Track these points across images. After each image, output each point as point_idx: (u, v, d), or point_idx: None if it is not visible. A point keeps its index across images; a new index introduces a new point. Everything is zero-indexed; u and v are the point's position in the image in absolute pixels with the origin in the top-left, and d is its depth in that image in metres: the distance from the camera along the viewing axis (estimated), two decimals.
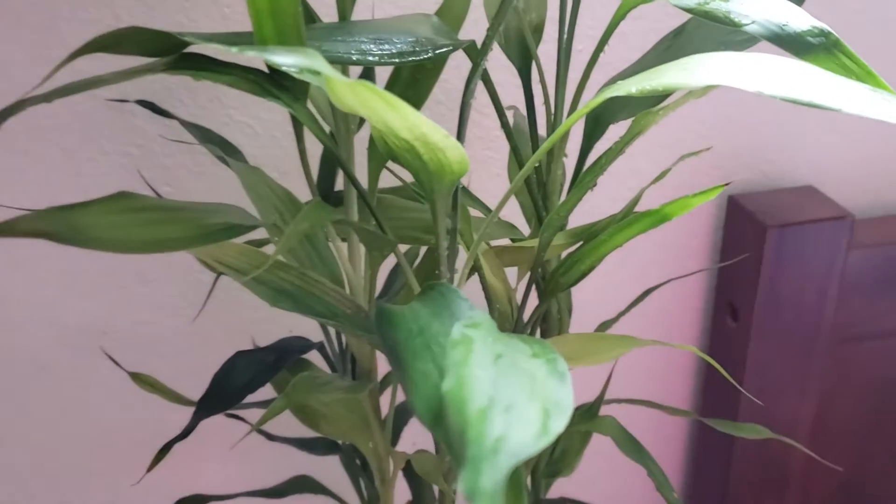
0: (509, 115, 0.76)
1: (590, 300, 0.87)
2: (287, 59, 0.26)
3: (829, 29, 0.37)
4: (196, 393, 0.69)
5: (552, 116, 0.54)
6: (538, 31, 0.55)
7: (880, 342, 0.88)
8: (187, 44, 0.37)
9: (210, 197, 0.75)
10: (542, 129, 0.56)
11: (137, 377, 0.66)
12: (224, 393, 0.54)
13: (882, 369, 0.89)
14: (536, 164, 0.56)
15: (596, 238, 0.49)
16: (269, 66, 0.38)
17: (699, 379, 0.98)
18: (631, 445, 0.62)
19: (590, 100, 0.36)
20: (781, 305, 0.83)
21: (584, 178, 0.47)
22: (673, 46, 0.55)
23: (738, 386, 0.67)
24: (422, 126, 0.32)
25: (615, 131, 0.51)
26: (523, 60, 0.54)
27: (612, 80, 0.55)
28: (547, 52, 0.64)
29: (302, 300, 0.45)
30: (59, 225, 0.36)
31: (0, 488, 0.83)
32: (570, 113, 0.53)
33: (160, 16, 0.67)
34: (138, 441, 0.84)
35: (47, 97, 0.36)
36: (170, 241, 0.38)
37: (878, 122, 0.88)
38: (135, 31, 0.36)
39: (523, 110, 0.56)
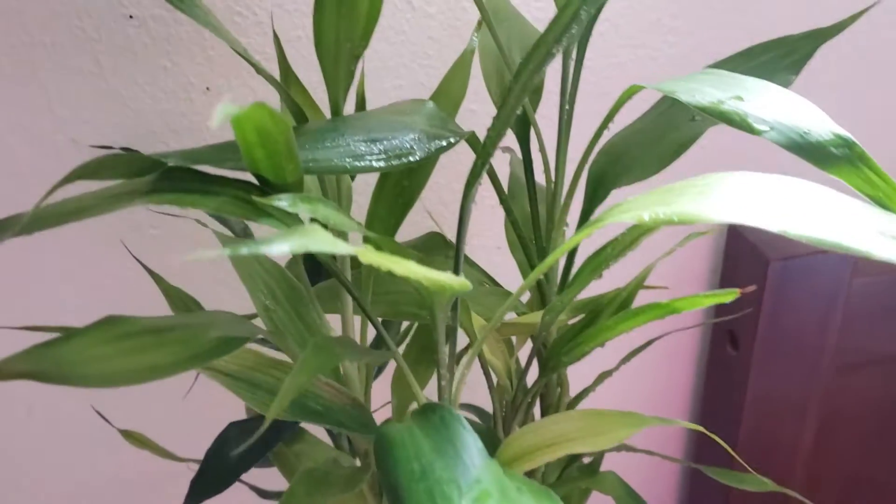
0: (504, 158, 0.74)
1: None
2: (283, 247, 0.24)
3: (853, 139, 0.35)
4: (188, 450, 0.67)
5: (552, 185, 0.51)
6: (537, 92, 0.53)
7: (881, 367, 0.87)
8: (166, 164, 0.35)
9: (190, 267, 0.72)
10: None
11: (128, 434, 0.64)
12: (217, 471, 0.53)
13: (883, 394, 0.89)
14: (535, 226, 0.54)
15: (599, 323, 0.47)
16: (258, 179, 0.36)
17: (696, 404, 0.97)
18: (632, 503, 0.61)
19: (588, 223, 0.34)
20: (783, 335, 0.82)
21: (587, 266, 0.45)
22: (674, 107, 0.53)
23: (730, 450, 0.66)
24: (423, 272, 0.30)
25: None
26: (521, 125, 0.52)
27: (608, 145, 0.53)
28: (546, 114, 0.62)
29: (298, 400, 0.43)
30: (44, 364, 0.34)
31: None
32: (574, 178, 0.51)
33: (142, 59, 0.64)
34: (129, 482, 0.83)
35: (28, 228, 0.33)
36: (161, 368, 0.36)
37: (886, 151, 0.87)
38: (112, 159, 0.34)
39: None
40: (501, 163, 0.75)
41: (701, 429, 0.50)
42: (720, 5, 0.76)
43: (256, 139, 0.32)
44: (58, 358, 0.34)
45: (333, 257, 0.52)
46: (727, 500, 0.92)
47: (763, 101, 0.38)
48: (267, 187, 0.36)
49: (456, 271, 0.41)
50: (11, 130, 0.64)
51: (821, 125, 0.36)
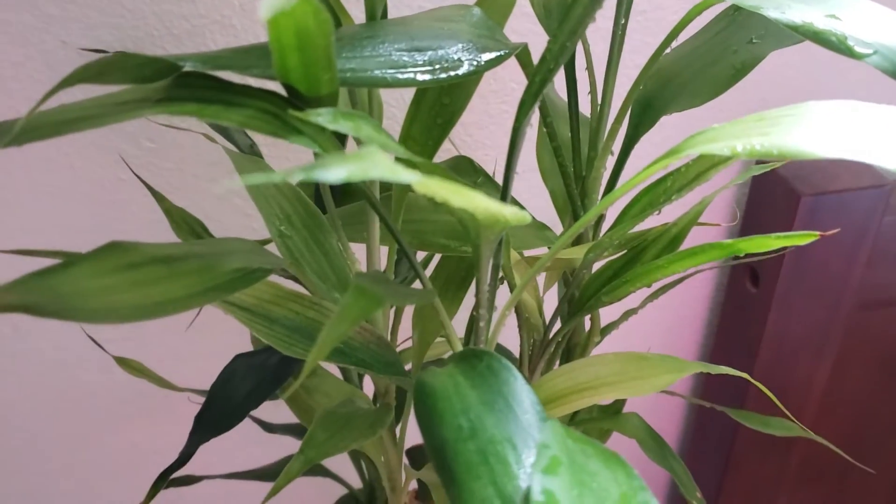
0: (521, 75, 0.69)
1: None
2: (340, 172, 0.20)
3: None
4: (188, 380, 0.64)
5: (597, 107, 0.47)
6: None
7: None
8: (182, 68, 0.30)
9: (181, 186, 0.67)
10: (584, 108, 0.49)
11: (123, 361, 0.61)
12: (224, 407, 0.49)
13: None
14: (574, 153, 0.50)
15: (648, 261, 0.43)
16: (287, 90, 0.31)
17: (709, 336, 0.95)
18: (655, 447, 0.58)
19: (681, 143, 0.30)
20: (806, 274, 0.78)
21: (641, 199, 0.41)
22: (729, 28, 0.48)
23: (774, 398, 0.63)
24: (483, 202, 0.26)
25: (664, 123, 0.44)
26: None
27: (657, 68, 0.48)
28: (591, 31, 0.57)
29: (316, 338, 0.39)
30: (41, 296, 0.29)
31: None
32: (624, 102, 0.47)
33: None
34: (122, 400, 0.80)
35: (19, 139, 0.29)
36: (174, 302, 0.32)
37: None
38: (120, 58, 0.29)
39: (563, 95, 0.50)
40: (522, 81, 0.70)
41: (746, 376, 0.47)
42: None
43: (294, 41, 0.27)
44: (55, 289, 0.29)
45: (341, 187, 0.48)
46: (733, 439, 0.90)
47: (863, 19, 0.33)
48: (297, 100, 0.31)
49: (503, 201, 0.36)
50: None
51: None
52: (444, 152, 0.69)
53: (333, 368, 0.59)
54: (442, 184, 0.24)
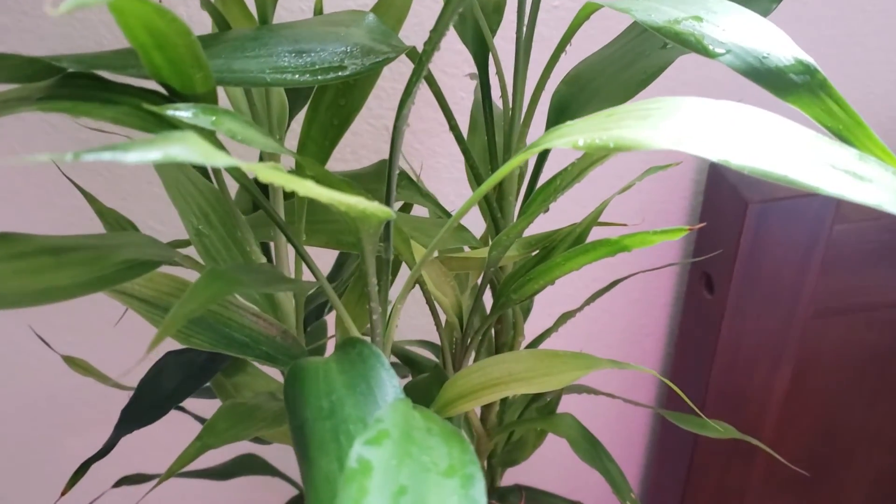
0: (472, 84, 0.70)
1: None
2: (150, 154, 0.21)
3: (816, 65, 0.32)
4: (136, 372, 0.65)
5: (510, 112, 0.48)
6: (498, 11, 0.49)
7: (859, 315, 0.85)
8: (63, 70, 0.32)
9: (133, 192, 0.69)
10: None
11: (71, 360, 0.62)
12: (150, 401, 0.51)
13: (859, 341, 0.86)
14: (491, 160, 0.51)
15: (550, 259, 0.45)
16: (165, 88, 0.33)
17: (669, 347, 0.95)
18: (588, 447, 0.59)
19: (525, 148, 0.31)
20: (760, 280, 0.79)
21: (534, 201, 0.42)
22: (645, 33, 0.50)
23: (693, 406, 0.64)
24: (332, 195, 0.27)
25: None
26: (479, 47, 0.48)
27: (573, 73, 0.49)
28: (509, 37, 0.59)
29: (220, 329, 0.41)
30: None
31: None
32: (529, 105, 0.48)
33: None
34: (82, 404, 0.81)
35: None
36: (56, 291, 0.33)
37: (866, 90, 0.83)
38: (1, 58, 0.31)
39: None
40: (471, 91, 0.71)
41: (653, 373, 0.48)
42: None
43: (149, 39, 0.28)
44: None
45: (258, 183, 0.49)
46: (694, 447, 0.91)
47: (723, 22, 0.35)
48: (176, 98, 0.33)
49: (387, 199, 0.38)
50: None
51: (782, 49, 0.33)
52: (379, 154, 0.71)
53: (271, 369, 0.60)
54: (284, 175, 0.25)
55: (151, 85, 0.33)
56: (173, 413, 0.79)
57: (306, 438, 0.30)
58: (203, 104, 0.31)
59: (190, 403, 0.64)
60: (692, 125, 0.29)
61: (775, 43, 0.33)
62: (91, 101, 0.32)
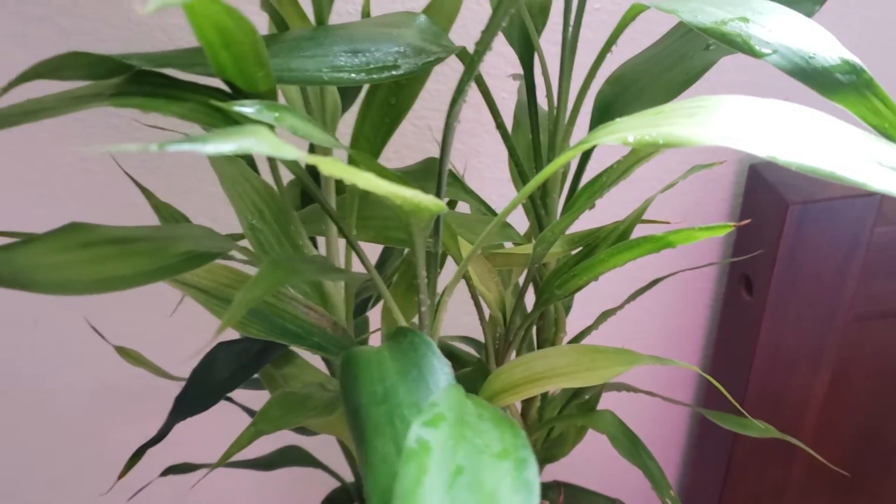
0: (514, 85, 0.71)
1: None
2: (224, 146, 0.23)
3: (862, 65, 0.33)
4: (186, 365, 0.67)
5: (555, 111, 0.49)
6: (543, 13, 0.50)
7: None
8: (133, 68, 0.33)
9: (185, 189, 0.71)
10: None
11: (124, 351, 0.64)
12: (203, 390, 0.52)
13: None
14: (535, 157, 0.52)
15: (594, 256, 0.46)
16: (228, 86, 0.34)
17: (707, 348, 0.95)
18: (627, 444, 0.60)
19: (575, 145, 0.32)
20: (799, 282, 0.79)
21: (580, 197, 0.43)
22: (689, 34, 0.50)
23: (734, 402, 0.65)
24: (390, 188, 0.28)
25: None
26: (525, 47, 0.49)
27: (617, 73, 0.50)
28: (554, 40, 0.60)
29: (273, 320, 0.42)
30: (1, 268, 0.33)
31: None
32: (575, 105, 0.49)
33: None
34: (133, 394, 0.84)
35: None
36: (121, 279, 0.35)
37: None
38: (75, 56, 0.32)
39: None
40: (511, 91, 0.73)
41: (696, 369, 0.48)
42: None
43: (218, 38, 0.30)
44: (13, 262, 0.33)
45: (314, 179, 0.51)
46: (733, 447, 0.91)
47: (769, 23, 0.35)
48: (239, 96, 0.34)
49: (438, 193, 0.39)
50: (14, 40, 0.63)
51: (828, 49, 0.33)
52: (422, 153, 0.72)
53: (317, 360, 0.62)
54: (345, 168, 0.27)
55: (215, 83, 0.34)
56: (220, 404, 0.81)
57: (362, 422, 0.31)
58: (266, 101, 0.32)
59: (237, 394, 0.66)
60: (739, 122, 0.29)
61: (821, 43, 0.33)
62: (160, 98, 0.33)
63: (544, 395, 0.65)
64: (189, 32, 0.65)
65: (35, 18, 0.62)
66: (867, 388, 0.89)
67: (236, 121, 0.34)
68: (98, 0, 0.62)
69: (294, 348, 0.56)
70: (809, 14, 0.48)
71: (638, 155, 0.41)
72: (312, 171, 0.52)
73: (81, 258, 0.34)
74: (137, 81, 0.34)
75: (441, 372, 0.33)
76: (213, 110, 0.33)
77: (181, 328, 0.80)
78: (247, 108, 0.31)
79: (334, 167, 0.26)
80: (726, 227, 0.38)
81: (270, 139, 0.25)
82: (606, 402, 0.92)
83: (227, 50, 0.31)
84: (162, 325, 0.80)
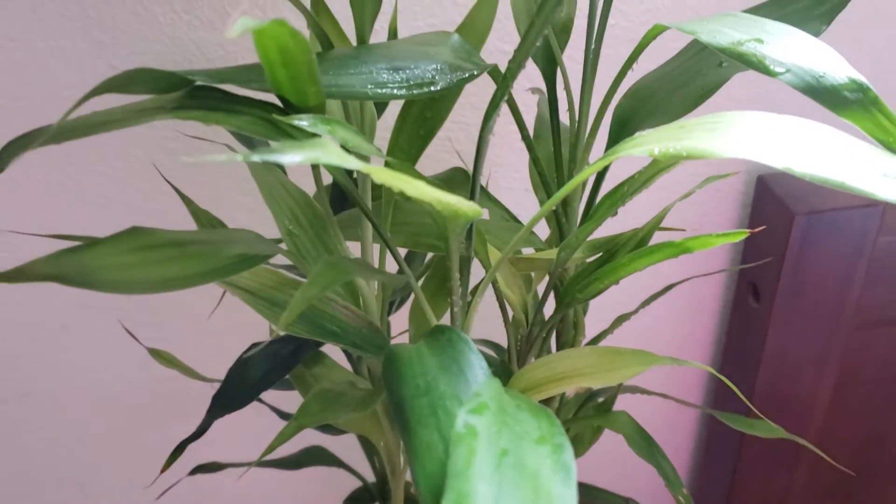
0: (533, 99, 0.74)
1: None
2: (296, 157, 0.25)
3: (868, 84, 0.35)
4: (215, 367, 0.70)
5: (576, 125, 0.52)
6: (566, 31, 0.53)
7: None
8: (193, 83, 0.36)
9: (214, 198, 0.74)
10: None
11: (156, 353, 0.67)
12: (238, 389, 0.55)
13: None
14: (557, 162, 0.55)
15: (615, 260, 0.48)
16: (281, 101, 0.37)
17: (716, 353, 0.98)
18: (642, 443, 0.62)
19: (602, 156, 0.35)
20: (805, 290, 0.82)
21: (602, 205, 0.46)
22: (703, 52, 0.53)
23: (740, 394, 0.67)
24: (435, 194, 0.31)
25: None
26: (548, 63, 0.52)
27: (635, 88, 0.53)
28: (574, 56, 0.62)
29: (315, 320, 0.45)
30: (69, 268, 0.36)
31: (24, 441, 0.86)
32: (596, 118, 0.52)
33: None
34: (158, 397, 0.86)
35: (55, 138, 0.35)
36: (181, 279, 0.38)
37: None
38: (142, 72, 0.35)
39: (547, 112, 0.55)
40: (532, 103, 0.75)
41: (711, 370, 0.51)
42: None
43: (278, 57, 0.33)
44: (81, 263, 0.36)
45: (355, 184, 0.53)
46: (740, 451, 0.93)
47: (782, 43, 0.38)
48: (290, 110, 0.37)
49: (471, 199, 0.42)
50: (53, 55, 0.66)
51: (837, 69, 0.36)
52: (444, 164, 0.75)
53: (343, 361, 0.64)
54: (395, 175, 0.29)
55: (267, 97, 0.37)
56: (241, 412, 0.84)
57: (406, 413, 0.34)
58: (318, 115, 0.35)
59: (265, 395, 0.69)
60: (757, 136, 0.32)
61: (831, 63, 0.36)
62: (219, 111, 0.36)
63: (561, 398, 0.68)
64: (219, 45, 0.68)
65: (73, 32, 0.65)
66: (871, 395, 0.92)
67: (289, 133, 0.37)
68: (134, 15, 0.65)
69: (323, 349, 0.59)
70: (817, 34, 0.51)
71: (659, 166, 0.44)
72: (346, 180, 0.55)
73: (143, 260, 0.37)
74: (197, 96, 0.37)
75: (478, 366, 0.36)
76: (268, 123, 0.36)
77: (205, 333, 0.82)
78: (303, 122, 0.34)
79: (387, 175, 0.29)
80: (742, 234, 0.40)
81: (337, 150, 0.27)
82: (618, 405, 0.95)
83: (286, 68, 0.33)
84: (186, 329, 0.82)
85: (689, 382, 1.00)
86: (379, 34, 0.69)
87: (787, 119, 0.33)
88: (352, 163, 0.27)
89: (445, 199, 0.32)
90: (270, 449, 0.45)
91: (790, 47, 0.37)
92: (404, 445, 0.33)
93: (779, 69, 0.37)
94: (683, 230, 0.52)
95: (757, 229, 0.43)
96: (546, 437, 0.30)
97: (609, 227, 0.64)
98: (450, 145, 0.76)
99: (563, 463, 0.29)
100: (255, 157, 0.25)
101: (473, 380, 0.35)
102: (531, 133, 0.63)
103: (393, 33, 0.51)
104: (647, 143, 0.34)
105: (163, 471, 0.52)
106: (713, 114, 0.35)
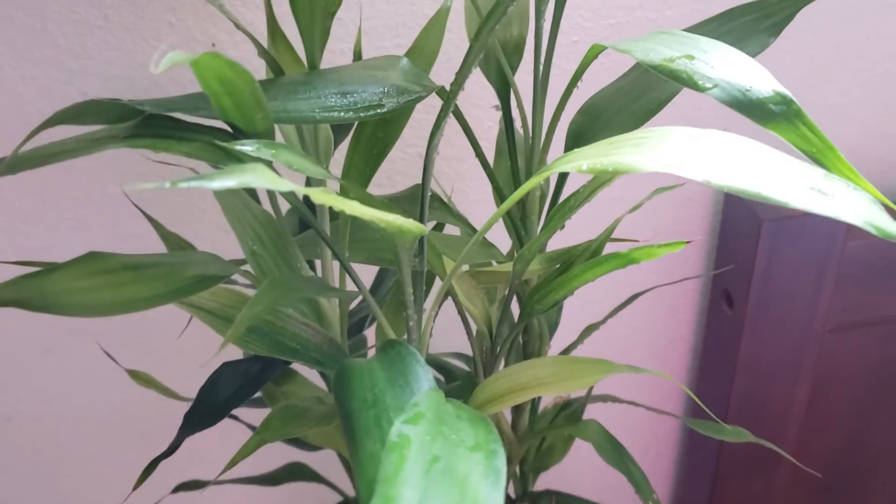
0: (498, 115, 0.76)
1: (582, 289, 0.87)
2: (227, 182, 0.27)
3: (791, 96, 0.37)
4: (193, 385, 0.71)
5: (530, 139, 0.53)
6: (518, 51, 0.54)
7: (875, 329, 0.88)
8: (144, 112, 0.37)
9: (188, 219, 0.75)
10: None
11: (134, 374, 0.68)
12: (209, 407, 0.56)
13: (877, 357, 0.90)
14: (514, 180, 0.56)
15: (568, 272, 0.49)
16: (230, 126, 0.38)
17: (693, 361, 0.99)
18: (612, 451, 0.63)
19: (549, 164, 0.36)
20: (776, 295, 0.83)
21: (552, 218, 0.47)
22: (649, 70, 0.55)
23: (703, 406, 0.69)
24: (374, 213, 0.32)
25: None
26: (501, 83, 0.54)
27: (588, 104, 0.54)
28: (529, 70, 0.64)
29: (274, 337, 0.46)
30: (30, 293, 0.37)
31: (7, 465, 0.87)
32: (547, 134, 0.53)
33: (149, 14, 0.67)
34: (139, 418, 0.87)
35: (11, 168, 0.36)
36: (138, 301, 0.39)
37: (876, 112, 0.87)
38: (94, 104, 0.36)
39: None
40: (495, 120, 0.77)
41: (666, 375, 0.52)
42: None
43: (220, 87, 0.34)
44: (41, 288, 0.37)
45: (310, 207, 0.55)
46: (719, 456, 0.94)
47: (711, 60, 0.39)
48: (240, 135, 0.39)
49: (420, 217, 0.43)
50: (24, 82, 0.67)
51: (763, 83, 0.37)
52: (413, 179, 0.76)
53: (315, 378, 0.65)
54: (334, 197, 0.31)
55: (218, 124, 0.39)
56: (226, 425, 0.85)
57: (353, 425, 0.35)
58: (264, 140, 0.36)
59: (242, 414, 0.70)
60: (679, 151, 0.33)
61: (757, 77, 0.38)
62: (169, 139, 0.37)
63: (534, 408, 0.69)
64: (191, 71, 0.70)
65: (43, 60, 0.67)
66: (847, 398, 0.93)
67: (238, 158, 0.38)
68: (104, 42, 0.67)
69: (293, 366, 0.60)
70: (764, 46, 0.53)
71: (600, 180, 0.45)
72: (308, 200, 0.56)
73: (102, 283, 0.38)
74: (149, 124, 0.38)
75: (424, 379, 0.37)
76: (217, 149, 0.38)
77: (184, 353, 0.83)
78: (247, 147, 0.35)
79: (324, 196, 0.30)
80: (681, 244, 0.42)
81: (268, 174, 0.29)
82: (599, 416, 0.96)
83: (230, 97, 0.35)
84: (165, 350, 0.83)
85: (667, 391, 1.01)
86: (345, 55, 0.71)
87: (712, 134, 0.35)
88: (283, 185, 0.29)
89: (385, 218, 0.34)
90: (232, 464, 0.46)
91: (718, 63, 0.39)
92: (350, 456, 0.34)
93: (707, 84, 0.38)
94: (636, 241, 0.53)
95: (695, 238, 0.44)
96: (481, 444, 0.32)
97: (578, 240, 0.65)
98: (420, 161, 0.77)
99: (493, 467, 0.30)
100: (182, 184, 0.26)
101: (419, 391, 0.36)
102: (491, 148, 0.64)
103: (358, 55, 0.53)
104: (578, 160, 0.36)
105: (135, 488, 0.53)
106: (642, 129, 0.36)
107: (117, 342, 0.82)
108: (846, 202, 0.31)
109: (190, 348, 0.83)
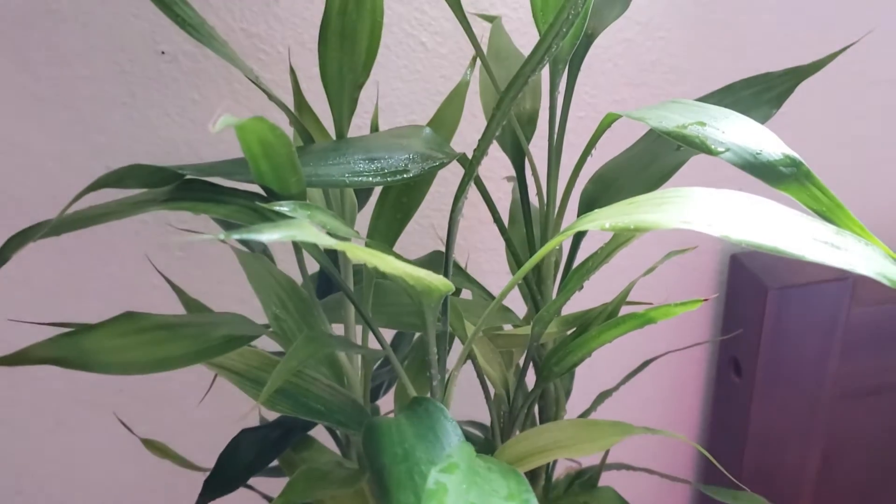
0: (509, 186, 0.78)
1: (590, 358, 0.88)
2: (274, 235, 0.28)
3: (800, 159, 0.39)
4: (206, 457, 0.71)
5: (545, 206, 0.55)
6: (531, 122, 0.57)
7: (884, 396, 0.89)
8: (183, 177, 0.39)
9: (215, 289, 0.77)
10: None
11: (149, 443, 0.68)
12: (229, 473, 0.56)
13: (887, 423, 0.90)
14: (530, 241, 0.58)
15: (586, 333, 0.51)
16: (265, 190, 0.40)
17: (704, 430, 0.99)
18: None
19: (571, 224, 0.38)
20: (784, 363, 0.84)
21: (571, 279, 0.49)
22: (661, 138, 0.57)
23: (733, 480, 0.69)
24: (406, 269, 0.34)
25: None
26: (516, 153, 0.56)
27: (600, 172, 0.56)
28: (541, 144, 0.66)
29: (299, 399, 0.47)
30: (68, 351, 0.38)
31: None
32: (562, 201, 0.55)
33: (173, 92, 0.69)
34: (150, 490, 0.87)
35: (56, 230, 0.38)
36: (172, 360, 0.40)
37: (872, 182, 0.89)
38: (136, 168, 0.38)
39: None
40: (507, 191, 0.79)
41: (683, 438, 0.53)
42: (719, 45, 0.80)
43: (260, 150, 0.36)
44: (79, 346, 0.38)
45: (338, 269, 0.56)
46: None
47: (722, 125, 0.41)
48: (273, 198, 0.40)
49: (445, 276, 0.44)
50: (52, 157, 0.69)
51: (772, 146, 0.39)
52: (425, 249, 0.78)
53: (332, 445, 0.66)
54: (369, 252, 0.32)
55: (252, 188, 0.40)
56: (241, 493, 0.85)
57: (385, 480, 0.36)
58: (299, 201, 0.38)
59: (256, 482, 0.70)
60: (697, 209, 0.35)
61: (766, 142, 0.39)
62: (207, 202, 0.39)
63: (549, 476, 0.69)
64: (210, 145, 0.72)
65: (71, 136, 0.69)
66: (860, 463, 0.93)
67: (272, 219, 0.40)
68: (128, 119, 0.69)
69: (311, 433, 0.60)
70: (768, 116, 0.55)
71: (618, 241, 0.47)
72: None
73: (139, 342, 0.40)
74: (188, 188, 0.40)
75: (453, 433, 0.38)
76: (253, 210, 0.39)
77: (197, 425, 0.84)
78: (284, 208, 0.37)
79: (361, 252, 0.32)
80: (698, 302, 0.43)
81: (311, 230, 0.30)
82: (611, 484, 0.95)
83: (267, 160, 0.37)
84: (178, 423, 0.84)
85: (679, 457, 1.00)
86: (362, 130, 0.73)
87: (729, 193, 0.36)
88: (326, 240, 0.30)
89: (417, 274, 0.35)
90: None
91: (729, 128, 0.41)
92: None
93: (719, 148, 0.40)
94: (650, 304, 0.54)
95: (712, 296, 0.45)
96: (514, 494, 0.32)
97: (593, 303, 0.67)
98: (433, 231, 0.79)
99: None
100: (235, 235, 0.28)
101: (448, 445, 0.37)
102: (508, 217, 0.66)
103: (374, 129, 0.55)
104: (600, 219, 0.37)
105: None
106: (661, 190, 0.38)
107: (131, 413, 0.82)
108: (858, 255, 0.33)
109: (202, 420, 0.83)
